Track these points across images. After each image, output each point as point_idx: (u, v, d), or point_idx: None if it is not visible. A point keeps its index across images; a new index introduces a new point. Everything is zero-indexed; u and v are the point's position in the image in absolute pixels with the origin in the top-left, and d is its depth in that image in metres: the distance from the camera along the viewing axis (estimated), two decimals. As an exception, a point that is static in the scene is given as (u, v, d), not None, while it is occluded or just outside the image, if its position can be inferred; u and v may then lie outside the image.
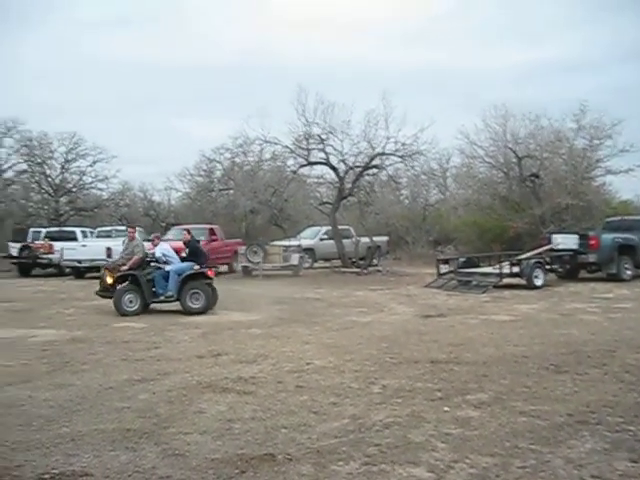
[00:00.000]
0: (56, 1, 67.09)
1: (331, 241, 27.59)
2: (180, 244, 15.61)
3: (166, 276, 13.87)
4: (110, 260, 18.52)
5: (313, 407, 6.09)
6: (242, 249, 24.74)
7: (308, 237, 29.32)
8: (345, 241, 27.21)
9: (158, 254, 14.33)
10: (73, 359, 8.65)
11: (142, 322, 12.29)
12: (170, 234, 27.07)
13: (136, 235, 14.99)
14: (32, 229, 32.69)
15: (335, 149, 26.95)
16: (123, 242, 16.77)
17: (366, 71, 55.78)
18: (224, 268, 26.87)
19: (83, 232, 29.30)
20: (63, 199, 44.80)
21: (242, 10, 67.62)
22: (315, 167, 29.02)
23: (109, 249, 24.42)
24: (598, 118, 28.31)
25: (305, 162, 27.64)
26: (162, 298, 13.82)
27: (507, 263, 18.87)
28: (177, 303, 13.84)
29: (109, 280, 13.81)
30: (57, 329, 11.51)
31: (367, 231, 27.80)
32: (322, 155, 27.24)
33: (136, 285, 13.64)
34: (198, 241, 16.08)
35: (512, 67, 56.50)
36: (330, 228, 28.04)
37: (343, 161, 27.14)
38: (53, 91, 62.22)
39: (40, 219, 42.03)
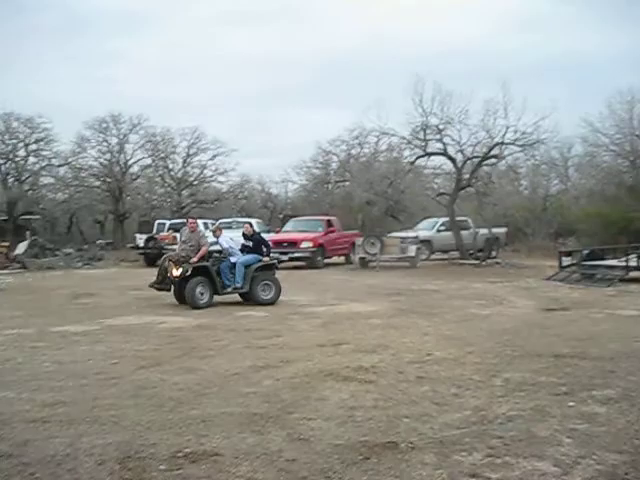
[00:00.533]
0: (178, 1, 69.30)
1: (448, 233, 27.32)
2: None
3: (231, 267, 13.73)
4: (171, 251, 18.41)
5: (434, 398, 6.11)
6: (359, 240, 24.87)
7: (425, 229, 29.13)
8: (463, 232, 26.85)
9: (225, 245, 14.14)
10: (199, 345, 9.01)
11: (263, 311, 12.62)
12: (288, 226, 27.60)
13: (199, 226, 14.93)
14: (157, 221, 34.08)
15: (453, 139, 26.64)
16: (181, 232, 16.22)
17: (483, 59, 54.70)
18: (341, 259, 27.15)
19: (205, 224, 30.25)
20: (185, 192, 46.47)
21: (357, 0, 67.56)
22: (432, 158, 28.82)
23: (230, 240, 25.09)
24: None
25: (422, 153, 27.45)
26: (230, 290, 13.70)
27: (634, 256, 18.10)
28: (235, 295, 14.02)
29: (176, 272, 13.16)
30: (184, 316, 11.99)
31: (485, 222, 27.34)
32: (439, 146, 26.99)
33: (206, 277, 13.41)
34: (259, 233, 15.70)
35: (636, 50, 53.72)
36: (447, 219, 27.76)
37: (461, 151, 26.79)
38: (175, 87, 64.55)
39: (163, 211, 43.78)
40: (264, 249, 14.28)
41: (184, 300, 13.24)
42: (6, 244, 29.16)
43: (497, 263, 24.68)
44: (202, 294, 13.26)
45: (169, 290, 13.64)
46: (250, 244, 14.34)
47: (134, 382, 6.87)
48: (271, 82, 66.13)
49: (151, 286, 13.85)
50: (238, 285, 13.69)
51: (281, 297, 14.04)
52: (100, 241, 38.11)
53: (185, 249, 13.56)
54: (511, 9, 60.05)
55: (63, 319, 11.71)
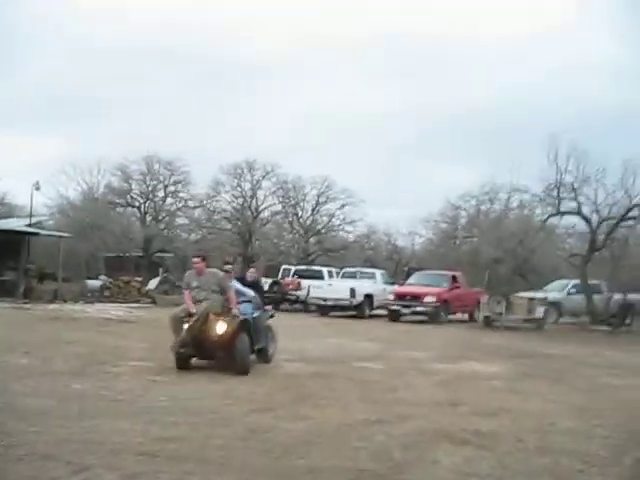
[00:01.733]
0: (306, 65, 71.34)
1: (579, 295, 26.13)
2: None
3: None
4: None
5: (555, 471, 5.70)
6: (484, 298, 24.23)
7: (555, 290, 28.02)
8: (595, 297, 25.62)
9: (249, 292, 11.63)
10: (314, 393, 8.91)
11: (381, 364, 12.40)
12: (412, 279, 27.34)
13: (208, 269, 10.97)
14: (283, 266, 34.65)
15: (588, 198, 25.69)
16: (187, 277, 10.86)
17: (624, 115, 52.71)
18: (465, 316, 26.52)
19: (329, 272, 30.47)
20: (312, 239, 47.19)
21: (502, 57, 67.18)
22: (565, 217, 27.84)
23: (353, 289, 25.14)
24: None
25: (555, 212, 26.60)
26: (258, 347, 11.13)
27: None
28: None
29: (222, 328, 10.01)
30: (298, 362, 11.96)
31: (620, 287, 25.97)
32: (573, 205, 26.07)
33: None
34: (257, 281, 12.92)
35: None
36: (579, 282, 26.60)
37: (596, 211, 25.76)
38: (309, 136, 65.99)
39: (290, 257, 44.51)
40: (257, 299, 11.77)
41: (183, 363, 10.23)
42: (139, 279, 30.45)
43: (631, 331, 23.33)
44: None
45: (207, 357, 10.61)
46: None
47: (246, 424, 6.83)
48: (402, 133, 66.54)
49: (177, 352, 10.11)
50: (263, 342, 11.37)
51: (399, 352, 13.78)
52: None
53: (203, 296, 10.30)
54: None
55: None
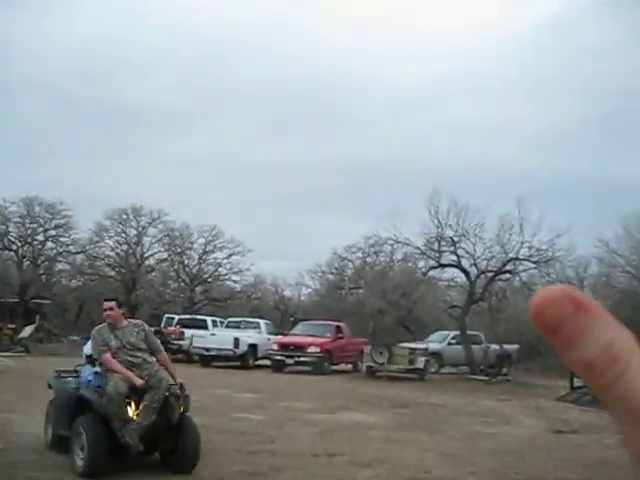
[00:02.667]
0: (216, 108, 71.49)
1: (459, 346, 26.83)
2: None
3: None
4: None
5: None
6: (367, 349, 24.48)
7: (436, 341, 28.69)
8: (474, 347, 26.37)
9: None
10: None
11: (260, 414, 12.22)
12: (296, 329, 27.37)
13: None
14: (166, 315, 33.94)
15: (467, 252, 26.62)
16: (97, 333, 7.54)
17: (502, 176, 55.33)
18: (349, 367, 26.67)
19: (213, 321, 30.02)
20: (198, 288, 46.53)
21: (390, 112, 69.27)
22: (446, 270, 28.72)
23: (237, 339, 24.89)
24: None
25: (436, 264, 27.40)
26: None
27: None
28: None
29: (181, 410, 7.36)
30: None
31: (497, 338, 26.89)
32: (453, 258, 26.95)
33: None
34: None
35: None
36: (459, 333, 27.35)
37: (475, 264, 26.70)
38: (197, 184, 65.47)
39: (175, 306, 43.66)
40: None
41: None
42: (12, 326, 29.09)
43: (507, 380, 24.09)
44: None
45: (151, 452, 7.43)
46: None
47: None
48: (290, 186, 67.07)
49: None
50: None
51: (280, 403, 13.66)
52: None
53: (136, 360, 7.29)
54: (540, 131, 61.00)
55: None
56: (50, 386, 8.60)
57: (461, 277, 28.32)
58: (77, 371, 8.47)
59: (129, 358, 7.25)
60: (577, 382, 18.87)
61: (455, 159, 56.86)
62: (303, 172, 65.40)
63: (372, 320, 33.19)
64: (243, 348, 25.11)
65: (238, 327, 28.28)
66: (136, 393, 7.00)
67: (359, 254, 44.70)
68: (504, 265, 26.22)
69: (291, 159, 65.40)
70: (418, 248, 27.65)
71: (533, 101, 62.17)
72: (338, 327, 26.83)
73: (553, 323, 0.39)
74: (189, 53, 70.06)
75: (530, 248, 25.69)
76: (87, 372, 7.80)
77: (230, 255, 46.87)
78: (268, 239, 62.57)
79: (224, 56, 69.47)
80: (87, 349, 8.45)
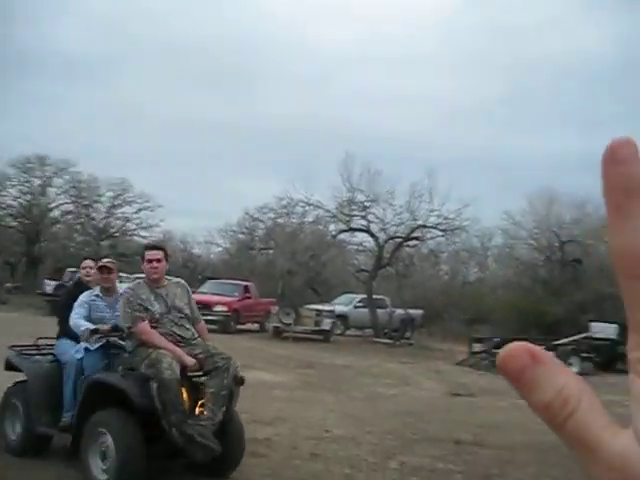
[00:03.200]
0: (127, 59, 69.31)
1: (365, 309, 27.29)
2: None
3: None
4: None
5: (325, 477, 5.83)
6: (275, 309, 24.58)
7: (342, 303, 29.05)
8: (379, 311, 26.89)
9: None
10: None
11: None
12: (204, 287, 27.15)
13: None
14: (69, 269, 33.10)
15: (377, 217, 27.02)
16: (131, 288, 6.01)
17: (416, 145, 56.12)
18: (255, 326, 26.74)
19: (119, 277, 29.48)
20: (105, 243, 45.49)
21: (311, 74, 68.84)
22: (356, 234, 29.07)
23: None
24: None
25: (346, 228, 27.67)
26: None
27: (543, 348, 18.33)
28: None
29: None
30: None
31: (403, 303, 27.50)
32: (363, 222, 27.28)
33: None
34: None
35: (561, 153, 56.31)
36: (365, 296, 27.81)
37: (384, 230, 27.12)
38: (110, 138, 63.72)
39: (81, 260, 42.55)
40: None
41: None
42: None
43: (410, 344, 24.70)
44: None
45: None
46: None
47: None
48: (204, 144, 66.11)
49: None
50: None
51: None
52: (8, 284, 36.72)
53: (185, 332, 5.75)
54: (456, 107, 62.01)
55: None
56: (12, 367, 6.48)
57: (370, 242, 28.77)
58: (38, 346, 6.78)
59: (175, 329, 5.61)
60: (475, 348, 19.57)
61: (371, 127, 57.36)
62: (218, 130, 64.58)
63: (281, 281, 33.35)
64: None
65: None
66: (184, 377, 5.31)
67: (271, 215, 44.67)
68: (412, 232, 26.73)
69: (206, 117, 64.50)
70: (329, 211, 27.87)
71: (451, 77, 63.26)
72: (246, 287, 26.79)
73: (516, 373, 0.46)
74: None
75: (438, 217, 26.35)
76: (73, 348, 6.01)
77: (139, 210, 45.93)
78: (179, 196, 61.63)
79: (140, 10, 67.85)
80: (78, 321, 5.93)
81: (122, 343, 5.72)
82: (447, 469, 6.50)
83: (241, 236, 46.88)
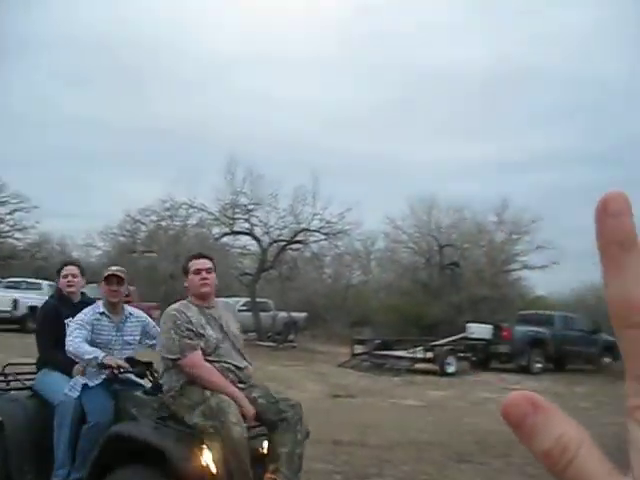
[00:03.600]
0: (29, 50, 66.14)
1: (249, 313, 27.19)
2: None
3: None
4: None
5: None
6: (157, 313, 24.07)
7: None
8: (263, 314, 26.87)
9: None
10: None
11: None
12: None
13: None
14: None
15: (260, 221, 27.04)
16: (176, 309, 4.39)
17: (300, 148, 56.54)
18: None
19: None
20: (-25, 245, 43.40)
21: (195, 78, 67.99)
22: (239, 237, 28.94)
23: (16, 301, 23.54)
24: (518, 214, 29.36)
25: (229, 231, 27.52)
26: None
27: (421, 348, 18.90)
28: None
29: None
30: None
31: (286, 306, 27.61)
32: (247, 225, 27.23)
33: None
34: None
35: (442, 161, 58.18)
36: (249, 300, 27.71)
37: (267, 233, 27.16)
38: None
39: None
40: None
41: None
42: None
43: (294, 347, 24.81)
44: None
45: None
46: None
47: None
48: (84, 144, 64.09)
49: None
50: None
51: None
52: None
53: (230, 361, 4.23)
54: (341, 111, 62.77)
55: None
56: None
57: (254, 245, 28.71)
58: (6, 375, 5.31)
59: (232, 361, 4.20)
60: (357, 349, 19.88)
61: (256, 129, 57.27)
62: (100, 130, 62.75)
63: (164, 285, 32.79)
64: (22, 310, 23.76)
65: (18, 288, 26.68)
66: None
67: (153, 217, 43.84)
68: (296, 235, 26.88)
69: (85, 117, 62.55)
70: (212, 214, 27.62)
71: (340, 82, 64.07)
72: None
73: (517, 420, 0.47)
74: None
75: (321, 220, 26.60)
76: (64, 383, 4.61)
77: (13, 211, 44.06)
78: (56, 197, 59.46)
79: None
80: (82, 346, 4.41)
81: (139, 380, 4.57)
82: (326, 469, 6.54)
83: (122, 239, 45.72)
